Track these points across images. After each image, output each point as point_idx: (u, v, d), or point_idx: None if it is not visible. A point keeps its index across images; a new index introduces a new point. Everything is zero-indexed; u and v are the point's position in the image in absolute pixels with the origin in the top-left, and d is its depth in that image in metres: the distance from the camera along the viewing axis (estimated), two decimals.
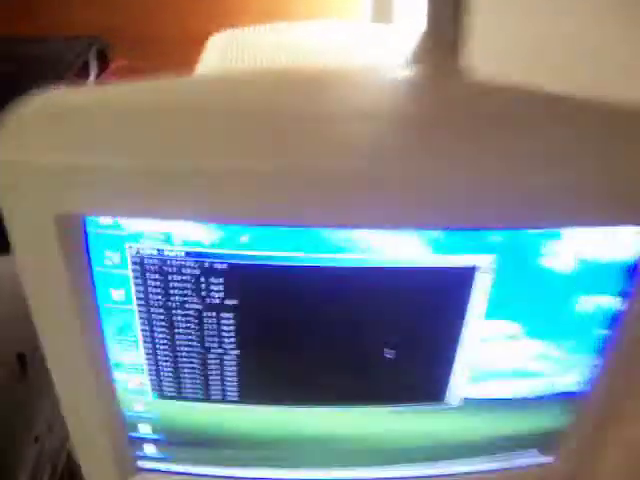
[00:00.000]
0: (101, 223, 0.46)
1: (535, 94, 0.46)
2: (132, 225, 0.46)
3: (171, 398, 0.56)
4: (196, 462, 0.62)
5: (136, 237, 0.47)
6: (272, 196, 0.43)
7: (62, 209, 0.44)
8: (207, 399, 0.56)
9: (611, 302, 0.51)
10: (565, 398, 0.58)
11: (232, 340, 0.51)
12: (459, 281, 0.49)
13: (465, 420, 0.59)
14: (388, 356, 0.53)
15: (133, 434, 0.60)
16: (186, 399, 0.56)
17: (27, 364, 0.74)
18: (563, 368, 0.55)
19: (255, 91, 0.48)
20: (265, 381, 0.55)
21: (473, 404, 0.57)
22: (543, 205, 0.44)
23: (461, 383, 0.55)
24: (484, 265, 0.48)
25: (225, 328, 0.51)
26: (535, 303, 0.51)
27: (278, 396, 0.56)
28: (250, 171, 0.42)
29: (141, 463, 0.64)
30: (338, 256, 0.47)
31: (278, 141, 0.43)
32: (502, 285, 0.49)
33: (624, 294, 0.51)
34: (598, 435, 0.60)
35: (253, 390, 0.55)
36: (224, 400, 0.56)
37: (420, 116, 0.46)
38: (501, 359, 0.54)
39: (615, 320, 0.52)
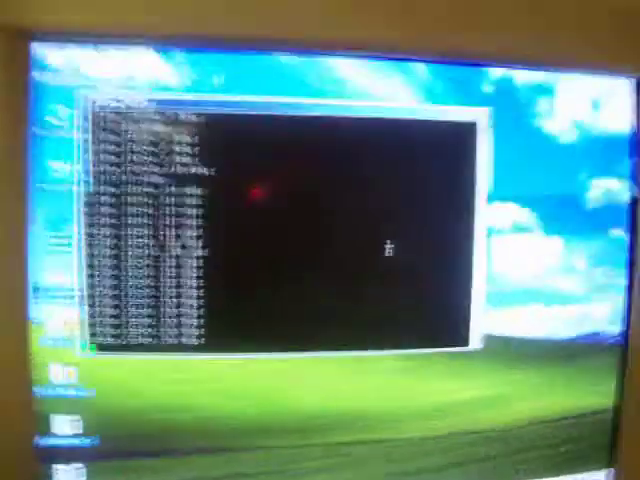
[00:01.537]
0: (51, 65, 0.40)
1: None
2: (88, 65, 0.40)
3: (112, 349, 0.41)
4: None
5: (92, 84, 0.40)
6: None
7: (7, 18, 0.38)
8: (160, 344, 0.42)
9: (622, 189, 0.46)
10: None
11: (195, 233, 0.41)
12: (460, 140, 0.44)
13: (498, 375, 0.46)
14: (390, 254, 0.43)
15: (44, 439, 0.42)
16: (132, 349, 0.41)
17: None
18: (593, 290, 0.47)
19: None
20: (235, 307, 0.42)
21: (498, 347, 0.46)
22: (535, 40, 0.43)
23: (481, 303, 0.45)
24: (482, 119, 0.44)
25: (189, 211, 0.41)
26: (542, 181, 0.45)
27: (251, 335, 0.42)
28: None
29: None
30: (327, 101, 0.42)
31: None
32: (503, 151, 0.44)
33: (632, 178, 0.47)
34: None
35: (219, 324, 0.42)
36: (181, 345, 0.42)
37: None
38: (522, 265, 0.45)
39: (632, 218, 0.47)
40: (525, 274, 0.46)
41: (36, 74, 0.40)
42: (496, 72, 0.44)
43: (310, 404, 0.44)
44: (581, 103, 0.45)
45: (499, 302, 0.45)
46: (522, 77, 0.44)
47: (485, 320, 0.45)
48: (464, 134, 0.44)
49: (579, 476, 0.48)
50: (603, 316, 0.47)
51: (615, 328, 0.47)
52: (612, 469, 0.49)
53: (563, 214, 0.46)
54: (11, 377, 0.40)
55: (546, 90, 0.45)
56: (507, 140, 0.44)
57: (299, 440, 0.44)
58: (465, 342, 0.45)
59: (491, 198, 0.44)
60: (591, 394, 0.48)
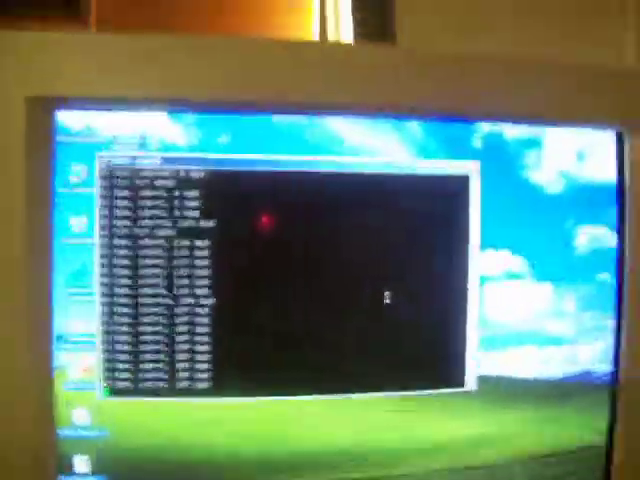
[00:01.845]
0: (72, 129, 0.43)
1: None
2: (106, 128, 0.43)
3: (127, 393, 0.44)
4: None
5: (109, 144, 0.43)
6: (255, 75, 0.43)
7: (34, 90, 0.41)
8: (173, 388, 0.44)
9: (608, 236, 0.49)
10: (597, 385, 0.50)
11: (206, 282, 0.44)
12: (453, 192, 0.47)
13: (488, 419, 0.48)
14: (388, 301, 0.46)
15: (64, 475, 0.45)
16: (146, 392, 0.44)
17: None
18: (582, 332, 0.49)
19: None
20: (243, 352, 0.45)
21: (492, 387, 0.48)
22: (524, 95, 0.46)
23: (475, 346, 0.47)
24: (473, 172, 0.47)
25: (199, 263, 0.44)
26: (531, 230, 0.48)
27: (258, 379, 0.45)
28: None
29: None
30: (325, 158, 0.45)
31: None
32: (493, 201, 0.47)
33: (617, 225, 0.49)
34: None
35: (229, 369, 0.45)
36: (192, 389, 0.44)
37: None
38: (514, 310, 0.48)
39: (618, 263, 0.49)
40: (517, 318, 0.48)
41: (60, 137, 0.43)
42: (485, 127, 0.47)
43: (315, 443, 0.46)
44: (567, 154, 0.48)
45: (493, 345, 0.48)
46: (510, 131, 0.47)
47: (480, 362, 0.47)
48: (457, 186, 0.47)
49: None
50: (593, 356, 0.49)
51: (605, 367, 0.50)
52: None
53: (552, 260, 0.48)
54: (36, 420, 0.43)
55: (533, 143, 0.48)
56: (497, 191, 0.47)
57: (306, 477, 0.46)
58: (461, 383, 0.47)
59: (483, 246, 0.47)
60: (583, 431, 0.50)
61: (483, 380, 0.48)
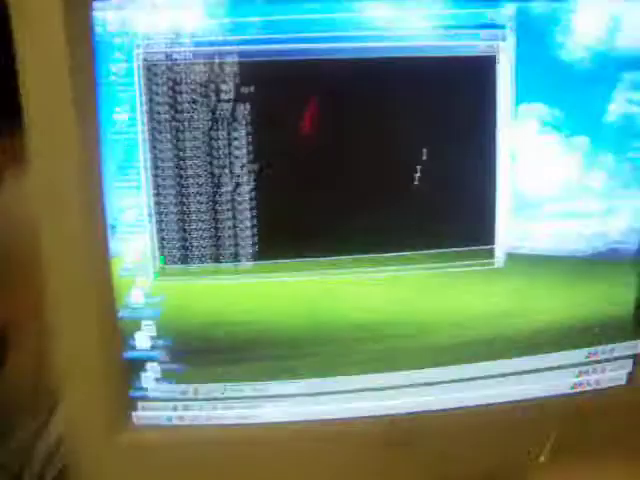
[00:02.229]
0: (109, 25, 0.44)
1: None
2: (142, 23, 0.44)
3: (179, 262, 0.48)
4: (208, 395, 0.51)
5: (145, 38, 0.44)
6: None
7: None
8: (220, 257, 0.48)
9: None
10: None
11: (244, 152, 0.46)
12: (483, 61, 0.46)
13: (521, 290, 0.51)
14: (421, 174, 0.47)
15: (130, 352, 0.49)
16: (196, 262, 0.48)
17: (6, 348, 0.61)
18: (613, 206, 0.50)
19: None
20: (285, 220, 0.48)
21: (521, 262, 0.50)
22: None
23: (505, 221, 0.49)
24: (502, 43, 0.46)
25: (242, 137, 0.46)
26: (567, 91, 0.47)
27: (300, 243, 0.48)
28: None
29: (136, 417, 0.52)
30: (353, 34, 0.45)
31: None
32: (527, 65, 0.47)
33: None
34: None
35: (272, 235, 0.48)
36: (238, 257, 0.48)
37: None
38: (544, 185, 0.49)
39: None
40: (548, 190, 0.49)
41: (97, 29, 0.44)
42: None
43: (352, 316, 0.50)
44: (604, 19, 0.47)
45: (523, 218, 0.49)
46: None
47: (510, 236, 0.49)
48: (487, 57, 0.46)
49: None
50: (623, 232, 0.51)
51: (631, 244, 0.51)
52: None
53: (586, 128, 0.48)
54: (98, 304, 0.47)
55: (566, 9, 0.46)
56: (531, 58, 0.47)
57: (344, 348, 0.50)
58: (491, 257, 0.49)
59: (515, 116, 0.47)
60: (613, 305, 0.52)
61: (512, 255, 0.50)
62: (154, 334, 0.49)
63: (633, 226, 0.51)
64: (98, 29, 0.44)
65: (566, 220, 0.50)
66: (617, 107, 0.48)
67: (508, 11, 0.46)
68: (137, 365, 0.50)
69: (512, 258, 0.50)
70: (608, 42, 0.47)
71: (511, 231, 0.49)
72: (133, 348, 0.50)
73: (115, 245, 0.47)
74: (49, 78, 0.43)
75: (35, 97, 0.43)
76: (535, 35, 0.47)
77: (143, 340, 0.49)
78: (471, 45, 0.46)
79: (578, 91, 0.48)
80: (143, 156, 0.46)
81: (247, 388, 0.51)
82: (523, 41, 0.46)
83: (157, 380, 0.51)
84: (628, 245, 0.51)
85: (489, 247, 0.49)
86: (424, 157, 0.47)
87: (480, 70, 0.47)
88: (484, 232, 0.49)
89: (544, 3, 0.46)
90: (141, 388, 0.51)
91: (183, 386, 0.51)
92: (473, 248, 0.49)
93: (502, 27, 0.46)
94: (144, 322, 0.49)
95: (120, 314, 0.48)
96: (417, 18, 0.45)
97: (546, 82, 0.47)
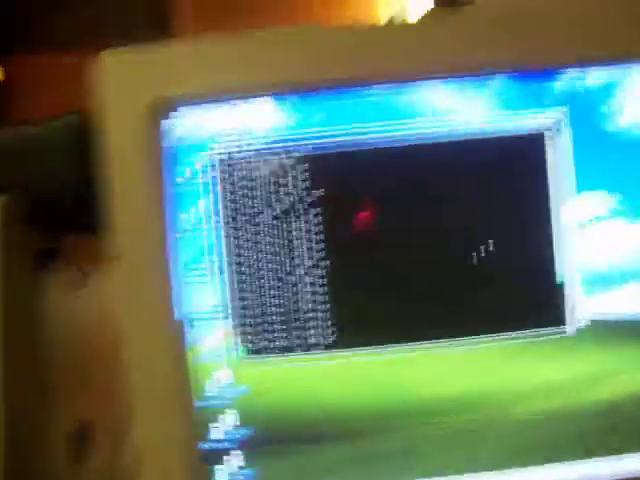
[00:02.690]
0: (180, 127, 0.48)
1: None
2: (212, 124, 0.48)
3: (261, 351, 0.49)
4: None
5: (216, 139, 0.48)
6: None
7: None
8: (301, 345, 0.49)
9: None
10: None
11: (321, 246, 0.48)
12: (534, 144, 0.48)
13: (600, 361, 0.49)
14: (485, 258, 0.48)
15: (206, 442, 0.50)
16: (278, 349, 0.49)
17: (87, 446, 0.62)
18: None
19: None
20: (360, 308, 0.50)
21: (602, 329, 0.49)
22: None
23: (575, 292, 0.49)
24: (557, 120, 0.48)
25: (313, 229, 0.48)
26: (626, 171, 0.49)
27: (375, 333, 0.49)
28: None
29: None
30: (416, 125, 0.48)
31: None
32: (581, 147, 0.48)
33: None
34: None
35: (349, 322, 0.49)
36: (319, 345, 0.49)
37: None
38: (613, 249, 0.49)
39: None
40: (618, 258, 0.49)
41: (170, 139, 0.48)
42: (568, 74, 0.48)
43: (427, 391, 0.50)
44: None
45: (597, 285, 0.49)
46: (592, 75, 0.48)
47: (584, 304, 0.49)
48: (541, 136, 0.48)
49: None
50: None
51: None
52: None
53: None
54: (177, 397, 0.49)
55: (617, 84, 0.48)
56: (584, 136, 0.48)
57: (420, 422, 0.50)
58: (562, 324, 0.49)
59: (579, 190, 0.48)
60: None
61: (586, 322, 0.49)
62: (236, 423, 0.50)
63: None
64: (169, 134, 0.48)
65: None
66: None
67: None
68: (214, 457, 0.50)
69: (587, 324, 0.49)
70: None
71: (584, 300, 0.49)
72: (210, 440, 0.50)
73: (193, 336, 0.49)
74: (131, 184, 0.47)
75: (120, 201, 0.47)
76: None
77: (221, 431, 0.50)
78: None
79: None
80: (217, 251, 0.49)
81: None
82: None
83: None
84: None
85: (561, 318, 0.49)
86: (487, 243, 0.49)
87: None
88: (556, 305, 0.49)
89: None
90: None
91: None
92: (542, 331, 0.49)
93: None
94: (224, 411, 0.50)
95: (198, 404, 0.49)
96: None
97: (604, 154, 0.49)
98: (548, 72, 0.48)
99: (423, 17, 0.51)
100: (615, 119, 0.48)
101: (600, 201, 0.48)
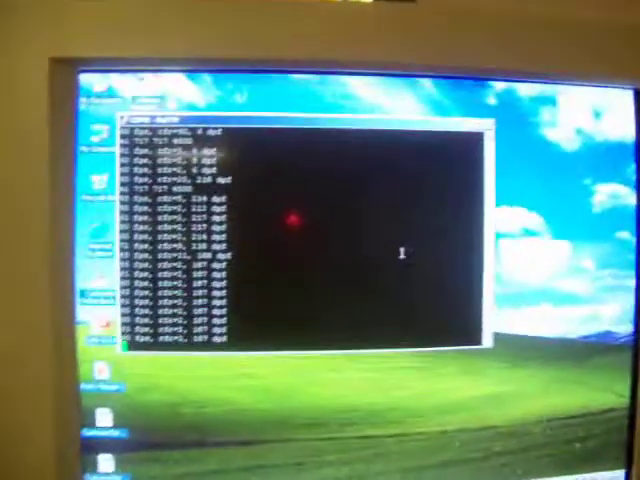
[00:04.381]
0: (94, 90, 0.45)
1: None
2: (126, 88, 0.45)
3: (145, 347, 0.45)
4: None
5: (129, 103, 0.45)
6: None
7: (58, 51, 0.43)
8: (190, 343, 0.45)
9: (626, 194, 0.49)
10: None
11: (222, 238, 0.45)
12: (468, 149, 0.47)
13: (505, 378, 0.48)
14: (404, 259, 0.46)
15: (88, 431, 0.46)
16: (163, 347, 0.45)
17: None
18: (601, 291, 0.49)
19: None
20: (258, 308, 0.46)
21: (509, 345, 0.48)
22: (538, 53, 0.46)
23: (491, 303, 0.47)
24: (488, 129, 0.47)
25: (216, 218, 0.45)
26: (548, 187, 0.48)
27: (273, 334, 0.46)
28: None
29: None
30: (338, 116, 0.46)
31: None
32: (508, 159, 0.47)
33: (636, 182, 0.49)
34: None
35: (245, 324, 0.46)
36: (209, 344, 0.45)
37: None
38: (531, 268, 0.48)
39: (638, 221, 0.49)
40: (534, 275, 0.48)
41: (82, 99, 0.45)
42: (499, 85, 0.47)
43: (329, 399, 0.46)
44: (583, 112, 0.48)
45: (510, 302, 0.47)
46: (525, 89, 0.47)
47: (496, 319, 0.47)
48: (471, 144, 0.47)
49: (595, 475, 0.50)
50: (613, 316, 0.49)
51: (625, 328, 0.49)
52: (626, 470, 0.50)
53: (569, 218, 0.48)
54: (61, 374, 0.44)
55: (549, 100, 0.48)
56: (512, 148, 0.47)
57: (318, 434, 0.46)
58: (478, 341, 0.47)
59: (499, 203, 0.47)
60: (603, 393, 0.49)
61: (500, 338, 0.47)
62: (108, 424, 0.46)
63: (624, 309, 0.49)
64: (82, 92, 0.44)
65: (554, 305, 0.48)
66: (600, 196, 0.48)
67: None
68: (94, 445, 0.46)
69: (501, 340, 0.48)
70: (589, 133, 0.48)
71: (499, 317, 0.48)
72: (93, 426, 0.46)
73: (82, 312, 0.45)
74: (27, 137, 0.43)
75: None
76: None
77: (101, 419, 0.46)
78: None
79: (560, 176, 0.48)
80: (116, 222, 0.45)
81: None
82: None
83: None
84: (620, 329, 0.49)
85: (477, 334, 0.47)
86: (406, 244, 0.47)
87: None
88: (471, 320, 0.48)
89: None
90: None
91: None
92: (460, 345, 0.48)
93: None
94: (102, 402, 0.46)
95: (82, 388, 0.45)
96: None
97: (528, 167, 0.48)
98: (477, 80, 0.47)
99: (364, 6, 0.49)
100: (541, 135, 0.48)
101: (520, 217, 0.47)
